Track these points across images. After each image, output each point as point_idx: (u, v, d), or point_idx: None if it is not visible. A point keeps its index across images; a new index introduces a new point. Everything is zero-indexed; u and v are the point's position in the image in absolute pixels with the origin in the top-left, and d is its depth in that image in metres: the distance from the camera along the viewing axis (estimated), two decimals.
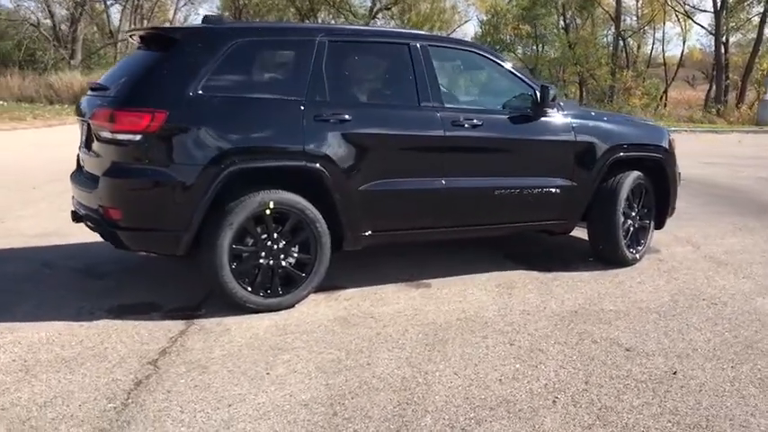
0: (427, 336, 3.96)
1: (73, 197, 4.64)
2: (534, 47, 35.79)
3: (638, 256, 5.59)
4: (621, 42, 35.36)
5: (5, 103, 22.52)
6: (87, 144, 4.41)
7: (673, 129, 23.97)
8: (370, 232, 4.58)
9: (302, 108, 4.28)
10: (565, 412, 3.10)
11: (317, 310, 4.36)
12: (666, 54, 41.01)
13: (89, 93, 4.47)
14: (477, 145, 4.89)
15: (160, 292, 4.65)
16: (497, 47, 33.10)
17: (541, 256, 5.88)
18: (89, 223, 4.33)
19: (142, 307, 4.37)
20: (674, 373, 3.53)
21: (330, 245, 4.44)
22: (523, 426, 2.98)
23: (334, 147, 4.34)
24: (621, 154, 5.42)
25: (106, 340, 3.81)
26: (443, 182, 4.76)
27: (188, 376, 3.38)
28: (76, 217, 4.52)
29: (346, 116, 4.39)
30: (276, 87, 4.40)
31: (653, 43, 41.05)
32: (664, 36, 41.63)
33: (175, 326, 4.06)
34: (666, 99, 34.61)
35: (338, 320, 4.19)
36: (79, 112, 4.52)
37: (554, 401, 3.20)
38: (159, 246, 4.18)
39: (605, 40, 37.45)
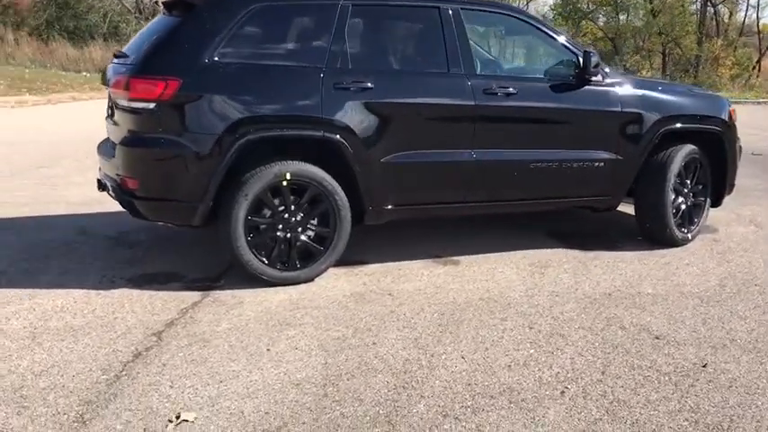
0: (443, 316, 3.78)
1: (100, 167, 4.65)
2: (615, 15, 34.27)
3: (689, 235, 5.20)
4: (711, 9, 33.43)
5: (88, 74, 23.30)
6: (111, 113, 4.38)
7: (762, 100, 22.62)
8: (392, 206, 4.41)
9: (322, 76, 4.12)
10: (572, 404, 2.87)
11: (334, 285, 4.24)
12: (762, 21, 38.59)
13: (113, 61, 4.43)
14: (511, 115, 4.61)
15: (185, 262, 4.62)
16: (576, 15, 31.93)
17: (586, 234, 5.57)
18: (111, 192, 4.32)
19: (163, 277, 4.35)
20: (704, 366, 3.23)
21: (350, 218, 4.29)
22: (523, 417, 2.77)
23: (355, 116, 4.16)
24: (673, 126, 5.03)
25: (118, 310, 3.80)
26: (473, 154, 4.52)
27: (188, 350, 3.32)
28: (101, 186, 4.53)
29: (368, 84, 4.20)
30: (295, 54, 4.24)
31: (746, 10, 38.73)
32: (759, 2, 39.16)
33: (190, 297, 4.01)
34: (759, 69, 32.61)
35: (354, 296, 4.05)
36: (104, 81, 4.50)
37: (562, 392, 2.98)
38: (175, 216, 4.13)
39: (693, 6, 35.51)
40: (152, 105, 3.88)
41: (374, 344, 3.42)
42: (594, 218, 5.81)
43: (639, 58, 31.82)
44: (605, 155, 4.85)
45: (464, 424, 2.72)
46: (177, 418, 2.71)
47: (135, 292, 4.07)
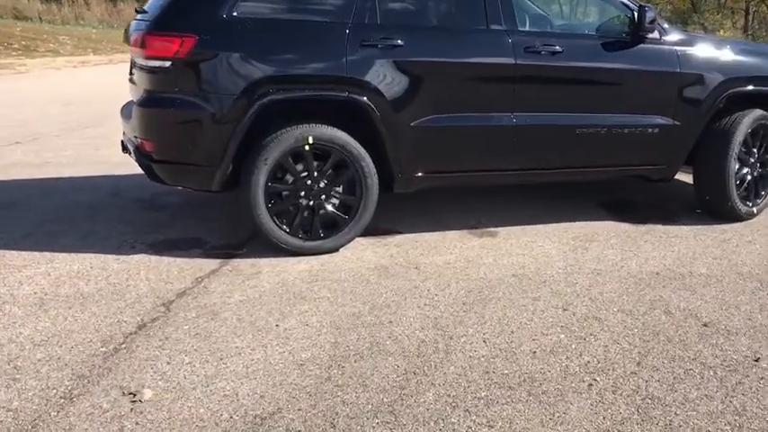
0: (470, 293, 3.51)
1: (123, 130, 4.52)
2: None
3: (754, 210, 4.75)
4: None
5: None
6: (131, 73, 4.22)
7: None
8: (422, 173, 4.12)
9: (347, 32, 3.84)
10: (598, 399, 2.58)
11: (359, 256, 4.01)
12: None
13: (136, 17, 4.25)
14: (555, 75, 4.24)
15: (211, 227, 4.47)
16: None
17: (639, 205, 5.17)
18: (132, 155, 4.18)
19: (186, 242, 4.21)
20: (757, 360, 2.88)
21: (377, 186, 4.03)
22: (541, 413, 2.50)
23: (383, 76, 3.88)
24: (743, 88, 4.55)
25: (133, 277, 3.67)
26: (513, 118, 4.18)
27: (194, 323, 3.16)
28: (124, 148, 4.39)
29: (398, 41, 3.89)
30: (319, 8, 3.95)
31: None
32: None
33: (209, 265, 3.86)
34: None
35: (377, 269, 3.81)
36: (126, 39, 4.33)
37: (590, 385, 2.68)
38: (192, 181, 3.96)
39: None
40: (167, 64, 3.69)
41: (390, 322, 3.18)
42: (651, 188, 5.39)
43: (720, 17, 30.13)
44: (660, 120, 4.43)
45: (474, 417, 2.47)
46: (134, 395, 2.55)
47: (153, 259, 3.94)
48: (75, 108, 9.77)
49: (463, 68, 4.06)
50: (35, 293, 3.45)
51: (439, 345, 2.98)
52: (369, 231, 4.18)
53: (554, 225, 4.63)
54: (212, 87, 3.71)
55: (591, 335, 3.09)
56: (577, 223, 4.67)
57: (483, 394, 2.61)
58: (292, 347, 2.94)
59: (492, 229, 4.54)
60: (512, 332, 3.10)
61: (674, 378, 2.73)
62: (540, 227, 4.59)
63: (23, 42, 19.00)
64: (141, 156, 3.94)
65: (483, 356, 2.88)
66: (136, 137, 3.94)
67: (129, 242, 4.21)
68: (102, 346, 2.94)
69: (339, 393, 2.61)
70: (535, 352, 2.93)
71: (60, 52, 18.97)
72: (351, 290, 3.53)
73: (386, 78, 3.88)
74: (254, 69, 3.70)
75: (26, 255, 3.95)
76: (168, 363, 2.81)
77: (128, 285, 3.57)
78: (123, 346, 2.95)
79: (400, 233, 4.42)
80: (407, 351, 2.92)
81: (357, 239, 4.16)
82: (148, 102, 3.81)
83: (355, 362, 2.83)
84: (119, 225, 4.52)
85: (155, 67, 3.74)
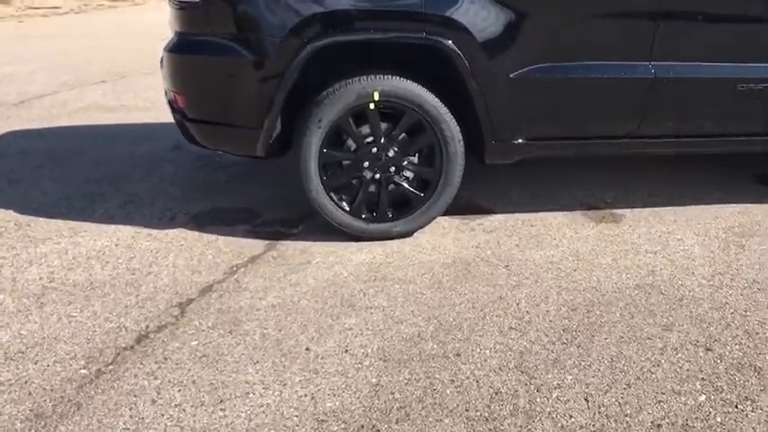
0: (574, 313, 2.59)
1: None
2: None
3: None
4: None
5: None
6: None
7: None
8: (523, 140, 3.18)
9: None
10: None
11: (436, 245, 3.16)
12: None
13: None
14: (713, 11, 3.10)
15: (268, 196, 3.76)
16: None
17: None
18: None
19: (233, 215, 3.53)
20: None
21: (463, 156, 3.14)
22: None
23: (474, 11, 2.93)
24: None
25: (159, 260, 3.03)
26: (651, 68, 3.12)
27: (207, 336, 2.46)
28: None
29: None
30: None
31: None
32: None
33: (252, 248, 3.16)
34: None
35: (456, 266, 2.96)
36: None
37: None
38: (233, 144, 3.22)
39: None
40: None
41: (457, 355, 2.34)
42: None
43: None
44: None
45: None
46: None
47: (191, 236, 3.28)
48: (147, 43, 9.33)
49: (583, 1, 3.03)
50: (40, 279, 2.88)
51: (520, 401, 2.12)
52: (456, 208, 3.31)
53: (697, 209, 3.56)
54: (251, 28, 2.92)
55: (746, 398, 2.12)
56: (730, 207, 3.58)
57: None
58: (318, 388, 2.18)
59: (616, 211, 3.54)
60: (627, 385, 2.19)
61: None
62: (680, 210, 3.54)
63: None
64: (175, 112, 3.25)
65: (581, 427, 2.00)
66: (169, 90, 3.24)
67: (171, 211, 3.58)
68: (84, 366, 2.31)
69: None
70: (660, 426, 2.01)
71: None
72: (415, 297, 2.71)
73: (477, 14, 2.93)
74: (304, 4, 2.86)
75: (53, 224, 3.41)
76: (154, 401, 2.13)
77: (149, 273, 2.93)
78: (110, 367, 2.30)
79: (494, 213, 3.52)
80: (473, 408, 2.08)
81: (438, 219, 3.32)
82: (177, 47, 3.09)
83: (397, 423, 2.03)
84: (169, 188, 3.91)
85: (184, 3, 2.98)
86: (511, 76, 3.03)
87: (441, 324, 2.52)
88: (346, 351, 2.37)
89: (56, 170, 4.19)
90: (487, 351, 2.36)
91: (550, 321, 2.54)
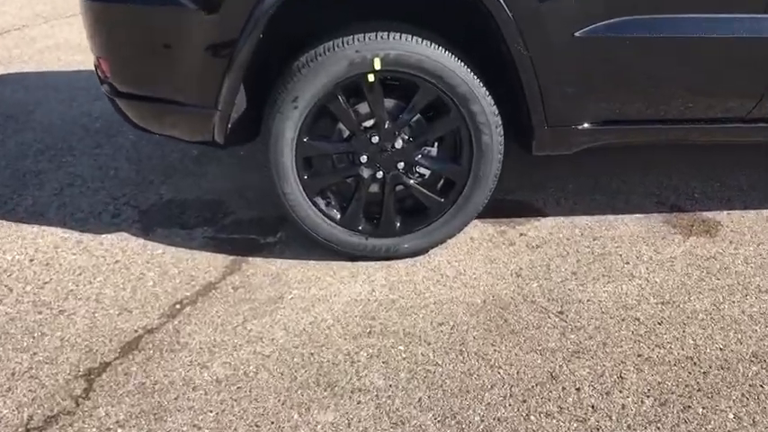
0: (665, 411, 1.71)
1: None
2: None
3: None
4: None
5: None
6: None
7: None
8: (590, 124, 2.22)
9: None
10: None
11: (461, 270, 2.28)
12: None
13: None
14: None
15: (246, 183, 2.89)
16: None
17: None
18: None
19: (195, 211, 2.68)
20: None
21: (502, 147, 2.21)
22: None
23: None
24: None
25: (78, 292, 2.21)
26: None
27: None
28: None
29: None
30: None
31: None
32: None
33: (209, 268, 2.33)
34: None
35: (488, 310, 2.08)
36: None
37: None
38: (180, 128, 2.31)
39: None
40: None
41: None
42: None
43: None
44: None
45: None
46: None
47: (132, 245, 2.46)
48: None
49: None
50: None
51: None
52: (490, 205, 2.38)
53: None
54: None
55: None
56: None
57: None
58: None
59: (707, 216, 2.59)
60: None
61: None
62: None
63: None
64: (102, 82, 2.35)
65: None
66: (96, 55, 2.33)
67: (116, 203, 2.75)
68: None
69: None
70: None
71: None
72: (426, 373, 1.85)
73: None
74: None
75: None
76: None
77: (60, 312, 2.12)
78: None
79: (542, 215, 2.60)
80: None
81: (466, 228, 2.41)
82: None
83: None
84: (122, 166, 3.06)
85: None
86: (576, 34, 2.05)
87: (461, 430, 1.66)
88: None
89: None
90: None
91: (628, 428, 1.66)
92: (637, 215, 2.59)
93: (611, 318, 2.04)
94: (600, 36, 2.05)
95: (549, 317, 2.05)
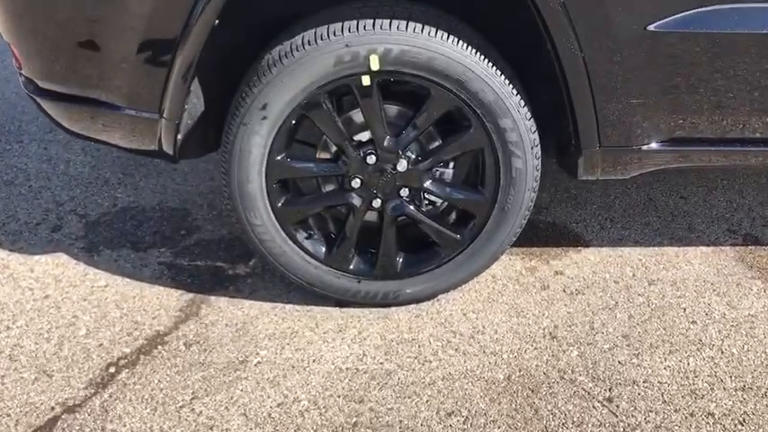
0: None
1: None
2: None
3: None
4: None
5: None
6: None
7: None
8: (657, 144, 1.67)
9: None
10: None
11: (479, 327, 1.77)
12: None
13: None
14: None
15: (219, 186, 2.37)
16: None
17: None
18: None
19: (152, 226, 2.19)
20: None
21: (538, 171, 1.68)
22: None
23: None
24: None
25: None
26: None
27: None
28: None
29: None
30: None
31: None
32: None
33: (159, 312, 1.84)
34: None
35: (513, 394, 1.58)
36: None
37: None
38: (117, 136, 1.77)
39: None
40: None
41: None
42: None
43: None
44: None
45: None
46: None
47: (67, 275, 2.00)
48: None
49: None
50: None
51: None
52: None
53: None
54: None
55: None
56: None
57: None
58: None
59: None
60: None
61: None
62: None
63: None
64: (21, 76, 1.82)
65: None
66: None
67: (59, 212, 2.28)
68: None
69: None
70: None
71: None
72: None
73: None
74: None
75: None
76: None
77: None
78: None
79: (585, 245, 2.07)
80: None
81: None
82: None
83: None
84: (74, 160, 2.54)
85: None
86: (650, 27, 1.49)
87: None
88: None
89: None
90: None
91: None
92: (702, 248, 2.06)
93: (675, 411, 1.54)
94: (684, 31, 1.49)
95: (594, 406, 1.55)
